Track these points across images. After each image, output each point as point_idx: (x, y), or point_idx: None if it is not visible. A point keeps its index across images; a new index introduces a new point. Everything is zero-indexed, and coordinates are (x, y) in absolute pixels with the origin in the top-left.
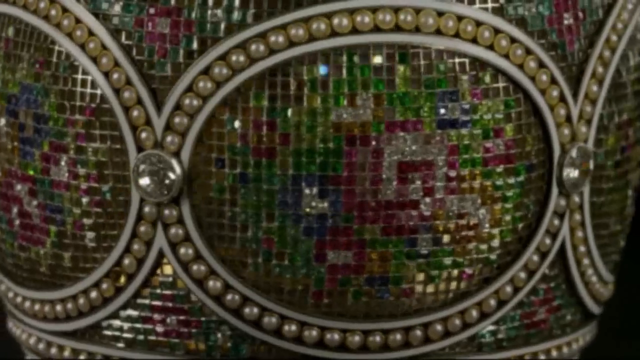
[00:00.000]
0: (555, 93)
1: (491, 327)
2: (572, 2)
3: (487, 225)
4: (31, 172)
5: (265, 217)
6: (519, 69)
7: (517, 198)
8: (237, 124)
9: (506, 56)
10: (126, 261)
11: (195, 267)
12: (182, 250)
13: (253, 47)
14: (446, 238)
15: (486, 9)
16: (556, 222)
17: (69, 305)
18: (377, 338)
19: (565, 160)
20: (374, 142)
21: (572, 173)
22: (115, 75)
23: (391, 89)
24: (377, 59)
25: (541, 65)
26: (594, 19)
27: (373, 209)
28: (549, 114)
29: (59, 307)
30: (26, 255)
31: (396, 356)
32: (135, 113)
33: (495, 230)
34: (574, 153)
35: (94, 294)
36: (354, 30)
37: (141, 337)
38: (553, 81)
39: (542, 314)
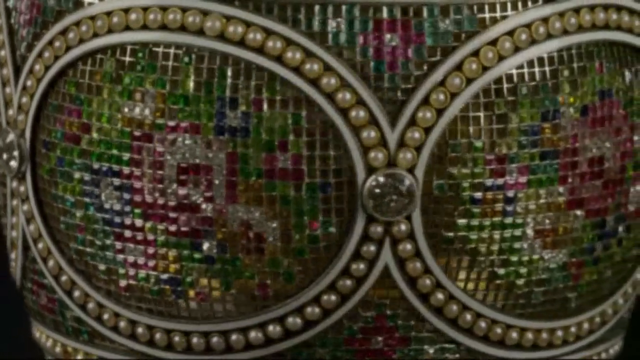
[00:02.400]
0: (362, 114)
1: (308, 348)
2: (402, 23)
3: (277, 239)
4: None
5: (76, 204)
6: (312, 84)
7: (312, 216)
8: (58, 108)
9: (296, 70)
10: (13, 233)
11: (40, 245)
12: (31, 227)
13: (70, 34)
14: (233, 246)
15: (284, 20)
16: (372, 248)
17: (11, 270)
18: (183, 339)
19: (372, 185)
20: (156, 142)
21: (385, 199)
22: (2, 52)
23: (174, 90)
24: (164, 58)
25: (344, 84)
26: (440, 43)
27: (159, 209)
28: (352, 135)
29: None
30: None
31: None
32: (7, 90)
33: (289, 246)
34: (383, 178)
35: (12, 263)
36: (145, 27)
37: (35, 307)
38: (359, 102)
39: (379, 344)
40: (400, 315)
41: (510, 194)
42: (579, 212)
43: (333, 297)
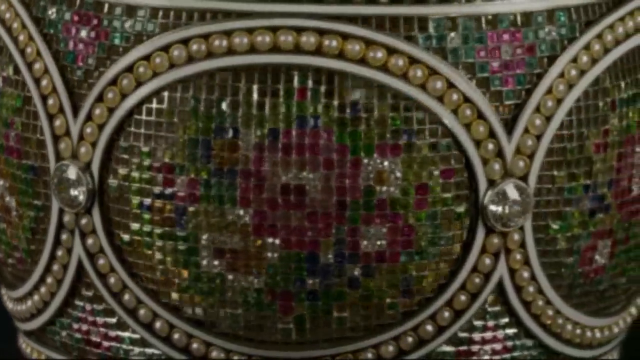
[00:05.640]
0: (55, 102)
1: (54, 326)
2: (95, 18)
3: (16, 215)
4: None
5: None
6: (28, 68)
7: (30, 197)
8: None
9: (22, 52)
10: None
11: None
12: None
13: None
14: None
15: (25, 4)
16: (69, 237)
17: None
18: None
19: (57, 174)
20: None
21: (64, 190)
22: None
23: None
24: None
25: (46, 70)
26: (122, 44)
27: None
28: (47, 122)
29: None
30: None
31: None
32: None
33: (22, 223)
34: (66, 169)
35: None
36: None
37: None
38: (54, 90)
39: (97, 336)
40: (104, 312)
41: (181, 205)
42: (271, 240)
43: (49, 279)
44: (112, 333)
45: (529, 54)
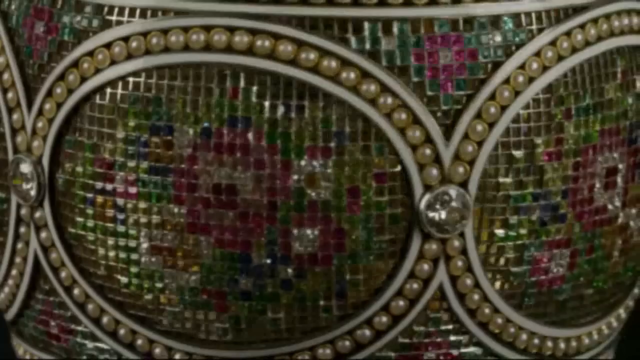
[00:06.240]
0: (13, 97)
1: (22, 318)
2: (47, 13)
3: None
4: None
5: None
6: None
7: None
8: None
9: None
10: None
11: None
12: None
13: None
14: None
15: None
16: (26, 230)
17: None
18: None
19: (13, 167)
20: None
21: (17, 185)
22: None
23: None
24: None
25: (8, 65)
26: (71, 39)
27: None
28: (7, 116)
29: None
30: None
31: None
32: None
33: None
34: (20, 163)
35: None
36: None
37: None
38: (13, 84)
39: (54, 328)
40: (59, 305)
41: (120, 202)
42: (204, 239)
43: (14, 271)
44: (68, 327)
45: (471, 59)
